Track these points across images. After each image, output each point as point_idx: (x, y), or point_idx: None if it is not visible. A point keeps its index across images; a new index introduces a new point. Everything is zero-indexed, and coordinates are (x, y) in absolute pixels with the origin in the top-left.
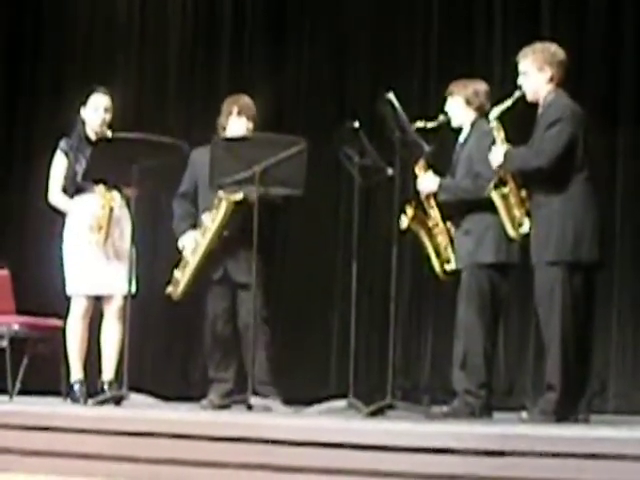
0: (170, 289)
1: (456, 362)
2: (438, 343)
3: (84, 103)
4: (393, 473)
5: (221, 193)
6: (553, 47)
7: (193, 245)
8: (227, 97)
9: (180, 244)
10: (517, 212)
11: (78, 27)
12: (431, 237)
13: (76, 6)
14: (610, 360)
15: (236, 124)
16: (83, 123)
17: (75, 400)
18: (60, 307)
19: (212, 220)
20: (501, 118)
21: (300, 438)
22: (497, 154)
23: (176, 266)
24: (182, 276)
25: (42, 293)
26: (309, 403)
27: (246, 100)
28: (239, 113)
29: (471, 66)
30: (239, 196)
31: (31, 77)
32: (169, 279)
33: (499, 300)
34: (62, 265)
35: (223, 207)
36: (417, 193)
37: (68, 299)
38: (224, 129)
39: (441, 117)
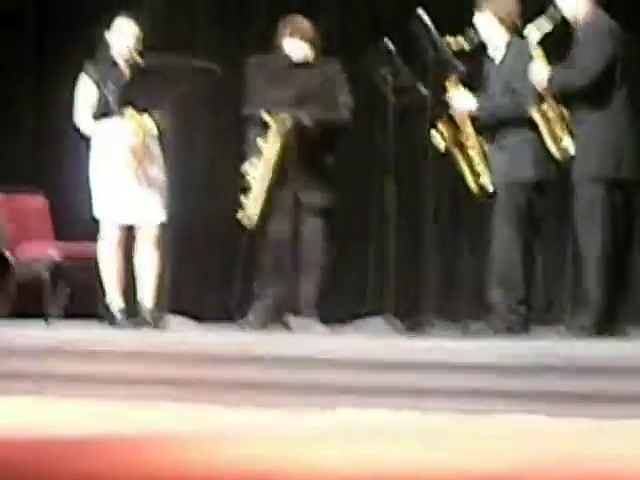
0: (240, 214)
1: (493, 278)
2: (476, 261)
3: (108, 27)
4: (432, 390)
5: (269, 119)
6: None
7: (254, 170)
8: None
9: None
10: (559, 130)
11: None
12: (464, 153)
13: None
14: None
15: (289, 45)
16: (107, 47)
17: (113, 323)
18: (98, 231)
19: (266, 146)
20: (541, 43)
21: (339, 357)
22: (539, 72)
23: (243, 191)
24: (250, 202)
25: (79, 217)
26: (347, 321)
27: (299, 21)
28: (291, 34)
29: None
30: (289, 122)
31: (60, 5)
32: (239, 204)
33: (536, 216)
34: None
35: (273, 129)
36: (449, 108)
37: (97, 223)
38: (280, 50)
39: (472, 34)
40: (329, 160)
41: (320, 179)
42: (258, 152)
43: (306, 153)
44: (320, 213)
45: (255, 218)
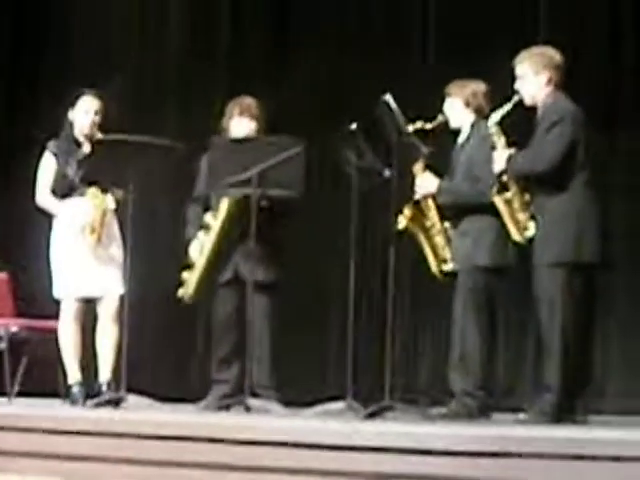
0: (181, 291)
1: (453, 363)
2: (436, 344)
3: (72, 105)
4: (391, 475)
5: (218, 198)
6: (550, 50)
7: (199, 246)
8: (229, 99)
9: (190, 248)
10: (521, 216)
11: (76, 28)
12: (428, 238)
13: (75, 8)
14: (609, 360)
15: (238, 125)
16: (71, 125)
17: (74, 402)
18: (59, 309)
19: (214, 220)
20: (501, 123)
21: (298, 440)
22: (499, 159)
23: (185, 269)
24: (191, 278)
25: (41, 296)
26: (308, 405)
27: (247, 101)
28: (240, 114)
29: (471, 67)
30: (237, 195)
31: (31, 81)
32: (173, 282)
33: (496, 301)
34: (49, 268)
35: (224, 206)
36: (415, 194)
37: (59, 302)
38: (226, 131)
39: (439, 117)
40: (275, 237)
41: (266, 256)
42: (205, 227)
43: (255, 230)
44: (265, 291)
45: (196, 295)
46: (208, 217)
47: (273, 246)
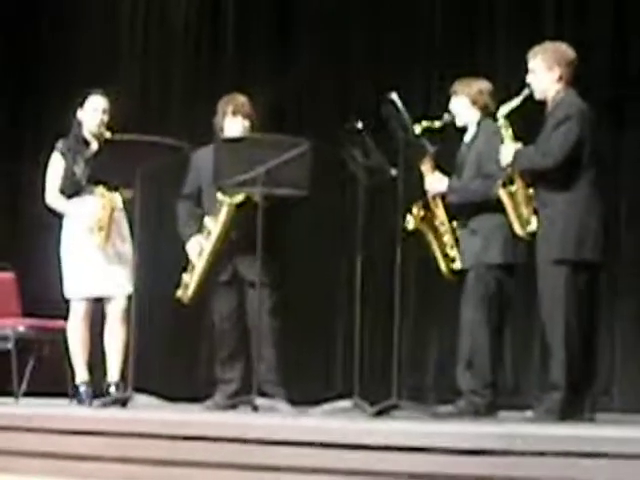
0: (180, 292)
1: (461, 362)
2: (444, 343)
3: (81, 105)
4: (397, 473)
5: (221, 196)
6: (563, 46)
7: (198, 249)
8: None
9: (187, 248)
10: (525, 211)
11: (82, 30)
12: (437, 237)
13: (80, 9)
14: (615, 359)
15: (232, 124)
16: (79, 124)
17: (81, 402)
18: (66, 309)
19: (215, 223)
20: (509, 117)
21: (305, 439)
22: (506, 153)
23: (184, 269)
24: (190, 279)
25: (48, 295)
26: (315, 403)
27: (240, 99)
28: (234, 113)
29: (475, 65)
30: (239, 198)
31: (37, 80)
32: (178, 282)
33: (505, 299)
34: (60, 268)
35: (224, 210)
36: (423, 193)
37: (68, 302)
38: (222, 130)
39: (446, 116)
40: (276, 236)
41: (264, 256)
42: (205, 231)
43: (252, 230)
44: (264, 289)
45: (195, 296)
46: (208, 221)
47: (272, 245)
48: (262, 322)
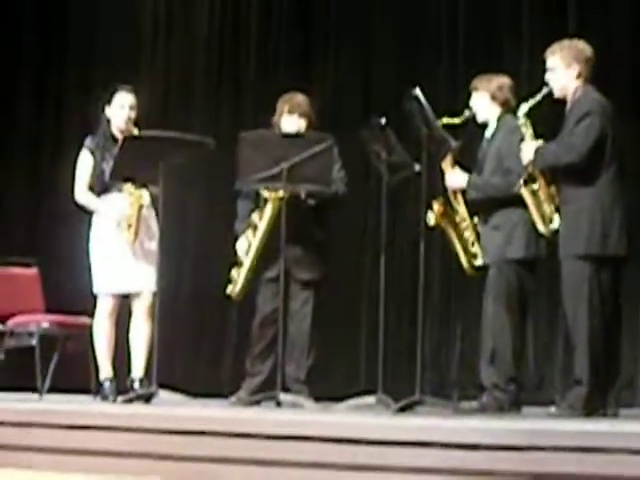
0: (229, 288)
1: (484, 357)
2: (466, 338)
3: (109, 101)
4: (422, 469)
5: (265, 192)
6: (581, 44)
7: (246, 245)
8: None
9: (236, 245)
10: (547, 208)
11: (104, 26)
12: (458, 233)
13: (102, 5)
14: (638, 354)
15: (287, 122)
16: (108, 121)
17: (105, 398)
18: (89, 305)
19: (260, 219)
20: (529, 115)
21: (329, 435)
22: (527, 150)
23: (234, 266)
24: (239, 275)
25: (71, 291)
26: (339, 399)
27: (297, 98)
28: (290, 111)
29: (498, 62)
30: (284, 196)
31: (59, 77)
32: (228, 279)
33: (527, 295)
34: (89, 264)
35: (269, 206)
36: (444, 189)
37: (95, 297)
38: (279, 128)
39: (466, 112)
40: (321, 234)
41: (312, 254)
42: (252, 226)
43: (299, 228)
44: (310, 288)
45: (243, 292)
46: (254, 217)
47: (319, 244)
48: (305, 321)
